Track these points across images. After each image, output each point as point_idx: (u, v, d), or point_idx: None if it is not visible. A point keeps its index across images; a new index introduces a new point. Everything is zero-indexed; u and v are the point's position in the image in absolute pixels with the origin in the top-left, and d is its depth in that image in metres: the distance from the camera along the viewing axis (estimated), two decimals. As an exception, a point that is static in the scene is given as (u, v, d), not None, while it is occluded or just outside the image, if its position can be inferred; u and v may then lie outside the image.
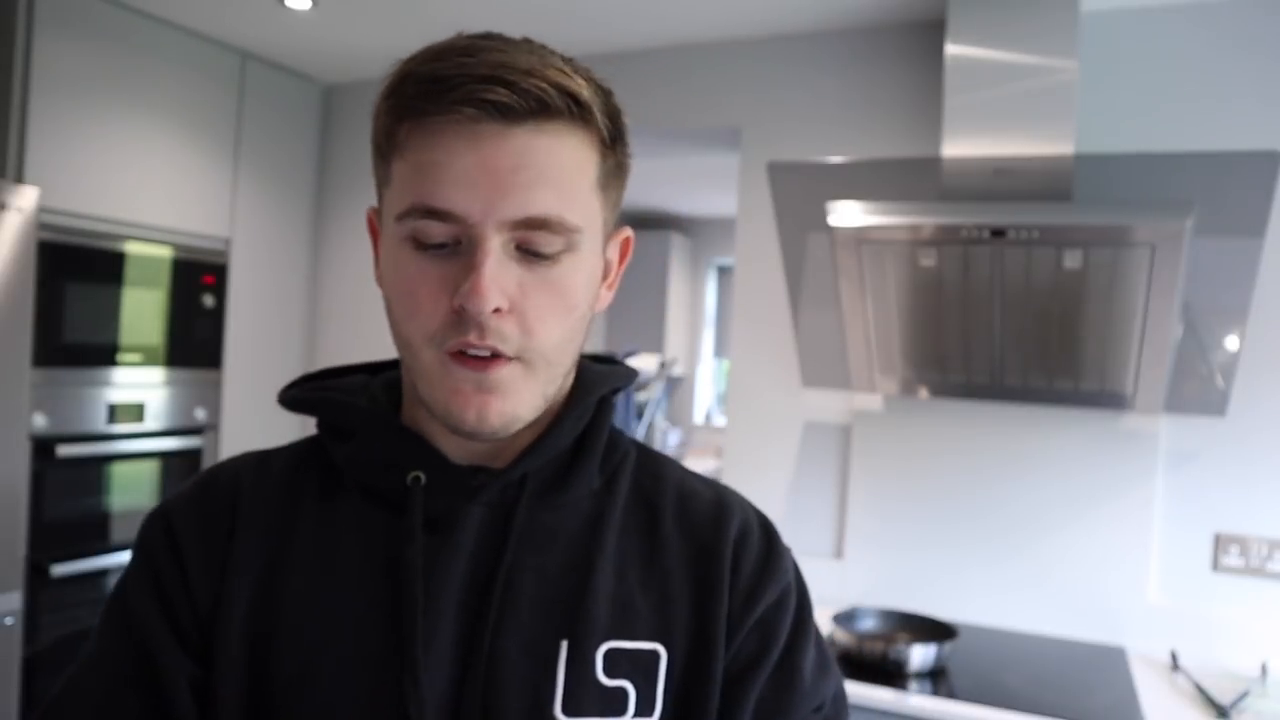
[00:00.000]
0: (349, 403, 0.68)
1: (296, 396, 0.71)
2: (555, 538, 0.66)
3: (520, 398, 0.60)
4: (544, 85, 0.56)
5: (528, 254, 0.59)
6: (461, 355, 0.58)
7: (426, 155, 0.57)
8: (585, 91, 0.58)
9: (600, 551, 0.65)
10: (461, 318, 0.57)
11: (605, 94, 0.61)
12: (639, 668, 0.63)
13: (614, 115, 0.62)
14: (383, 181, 0.62)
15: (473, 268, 0.57)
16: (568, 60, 0.60)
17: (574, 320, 0.62)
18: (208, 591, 0.64)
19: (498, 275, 0.57)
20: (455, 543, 0.63)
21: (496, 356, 0.59)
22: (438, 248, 0.58)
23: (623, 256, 0.69)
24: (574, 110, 0.58)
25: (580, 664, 0.61)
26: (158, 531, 0.66)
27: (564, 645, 0.62)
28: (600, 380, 0.71)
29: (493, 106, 0.55)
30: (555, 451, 0.67)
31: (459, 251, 0.58)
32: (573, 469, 0.68)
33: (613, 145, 0.62)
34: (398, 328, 0.61)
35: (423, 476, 0.64)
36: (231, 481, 0.68)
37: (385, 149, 0.61)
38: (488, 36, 0.59)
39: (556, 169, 0.58)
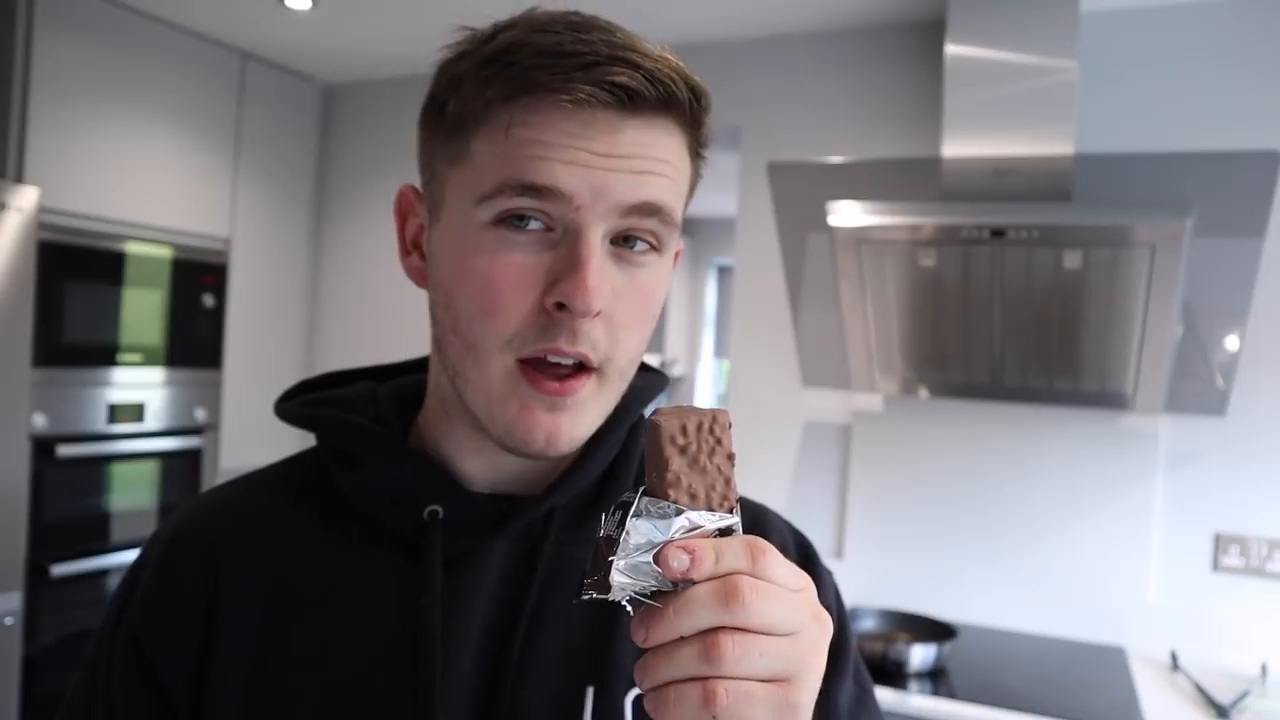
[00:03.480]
0: (353, 423, 0.62)
1: (294, 411, 0.65)
2: (581, 575, 0.62)
3: (590, 416, 0.56)
4: (674, 75, 0.52)
5: (623, 251, 0.54)
6: (537, 371, 0.53)
7: (530, 133, 0.51)
8: (705, 89, 0.55)
9: None
10: (552, 319, 0.52)
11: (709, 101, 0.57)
12: None
13: (708, 123, 0.57)
14: (451, 158, 0.55)
15: (576, 261, 0.51)
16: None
17: (650, 330, 0.57)
18: (185, 681, 0.58)
19: (601, 271, 0.52)
20: (475, 585, 0.58)
21: (579, 371, 0.53)
22: (528, 234, 0.52)
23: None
24: (693, 107, 0.54)
25: (608, 713, 0.57)
26: (123, 636, 0.60)
27: (590, 693, 0.57)
28: (636, 400, 0.64)
29: (623, 91, 0.50)
30: (586, 483, 0.62)
31: (551, 243, 0.52)
32: (601, 499, 0.63)
33: (699, 154, 0.58)
34: (464, 326, 0.54)
35: (440, 511, 0.58)
36: (203, 541, 0.61)
37: (466, 122, 0.53)
38: (580, 14, 0.54)
39: (666, 163, 0.54)
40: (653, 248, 0.55)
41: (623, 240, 0.54)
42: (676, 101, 0.53)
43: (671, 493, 0.43)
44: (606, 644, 0.58)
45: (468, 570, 0.58)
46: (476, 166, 0.53)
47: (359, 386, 0.67)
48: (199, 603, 0.59)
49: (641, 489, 0.44)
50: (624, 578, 0.42)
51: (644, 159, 0.52)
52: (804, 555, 0.69)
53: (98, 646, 0.62)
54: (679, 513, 0.43)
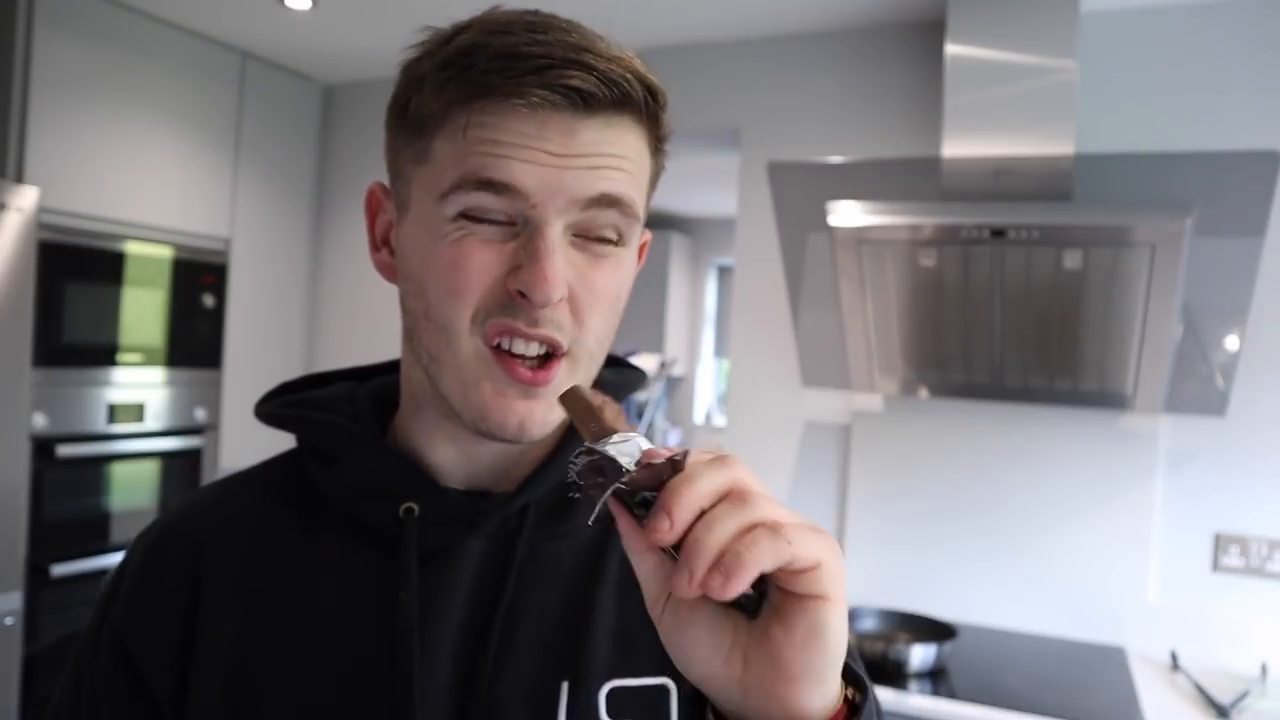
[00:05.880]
0: (331, 421, 0.63)
1: (274, 412, 0.66)
2: (557, 570, 0.61)
3: None
4: (628, 75, 0.53)
5: (585, 241, 0.55)
6: (508, 357, 0.54)
7: (487, 134, 0.52)
8: (661, 87, 0.56)
9: (601, 583, 0.61)
10: (514, 301, 0.53)
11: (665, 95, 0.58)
12: (646, 705, 0.58)
13: (666, 119, 0.59)
14: (415, 158, 0.56)
15: (534, 254, 0.52)
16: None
17: (616, 317, 0.59)
18: (167, 679, 0.59)
19: (561, 263, 0.53)
20: (451, 581, 0.59)
21: (549, 359, 0.55)
22: (490, 224, 0.53)
23: (638, 260, 0.65)
24: (649, 105, 0.55)
25: (582, 707, 0.57)
26: (107, 634, 0.61)
27: (564, 687, 0.58)
28: (612, 394, 0.65)
29: (576, 94, 0.51)
30: (560, 477, 0.62)
31: (512, 234, 0.54)
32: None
33: (660, 149, 0.59)
34: (435, 309, 0.55)
35: (416, 508, 0.59)
36: (187, 542, 0.62)
37: (426, 123, 0.55)
38: (538, 14, 0.55)
39: (623, 159, 0.55)
40: (615, 240, 0.56)
41: (585, 233, 0.55)
42: (632, 101, 0.54)
43: (621, 427, 0.44)
44: (581, 638, 0.59)
45: (444, 566, 0.59)
46: (437, 167, 0.54)
47: (338, 387, 0.68)
48: (181, 602, 0.60)
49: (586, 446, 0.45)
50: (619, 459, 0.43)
51: (601, 156, 0.53)
52: None
53: (83, 645, 0.63)
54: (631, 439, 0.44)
